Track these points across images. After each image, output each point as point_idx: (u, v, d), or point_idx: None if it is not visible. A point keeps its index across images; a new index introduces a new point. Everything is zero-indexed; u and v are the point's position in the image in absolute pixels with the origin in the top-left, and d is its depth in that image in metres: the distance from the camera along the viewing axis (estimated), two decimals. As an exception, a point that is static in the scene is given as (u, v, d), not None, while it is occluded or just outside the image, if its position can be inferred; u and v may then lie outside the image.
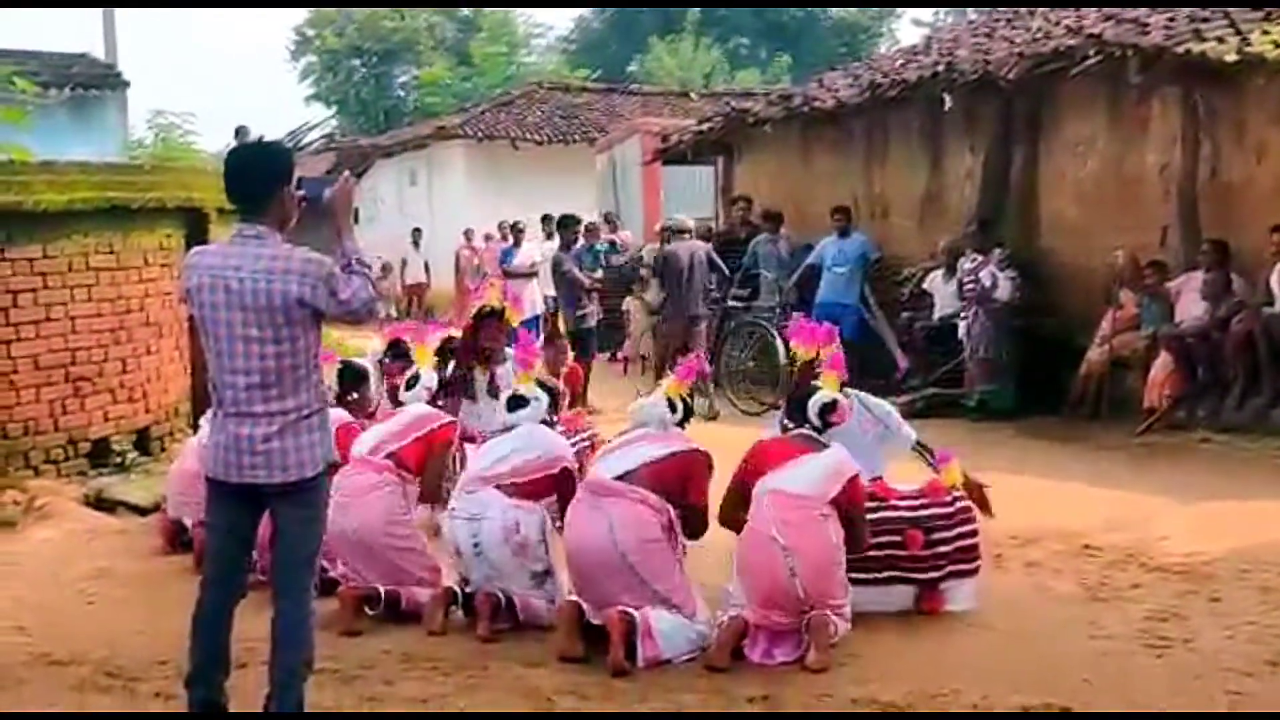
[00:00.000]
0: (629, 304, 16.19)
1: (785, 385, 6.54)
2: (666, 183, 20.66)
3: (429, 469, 6.46)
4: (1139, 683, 5.11)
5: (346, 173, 4.69)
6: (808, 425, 5.77)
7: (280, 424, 4.33)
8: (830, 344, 6.28)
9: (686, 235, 13.82)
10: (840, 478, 5.58)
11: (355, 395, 7.46)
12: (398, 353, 8.78)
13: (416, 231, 24.48)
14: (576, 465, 6.25)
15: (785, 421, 5.92)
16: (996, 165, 13.01)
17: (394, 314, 22.30)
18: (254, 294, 4.28)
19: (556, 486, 6.05)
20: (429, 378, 7.01)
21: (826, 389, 5.81)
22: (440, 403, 7.10)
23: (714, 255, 13.62)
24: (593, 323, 13.45)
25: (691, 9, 40.27)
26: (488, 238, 21.24)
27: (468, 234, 22.20)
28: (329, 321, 4.43)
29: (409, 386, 6.93)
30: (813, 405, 5.74)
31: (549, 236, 17.64)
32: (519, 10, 47.84)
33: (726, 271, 13.97)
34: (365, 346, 9.47)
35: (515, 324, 8.04)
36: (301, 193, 4.50)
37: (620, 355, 16.61)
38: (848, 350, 6.12)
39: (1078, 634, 5.77)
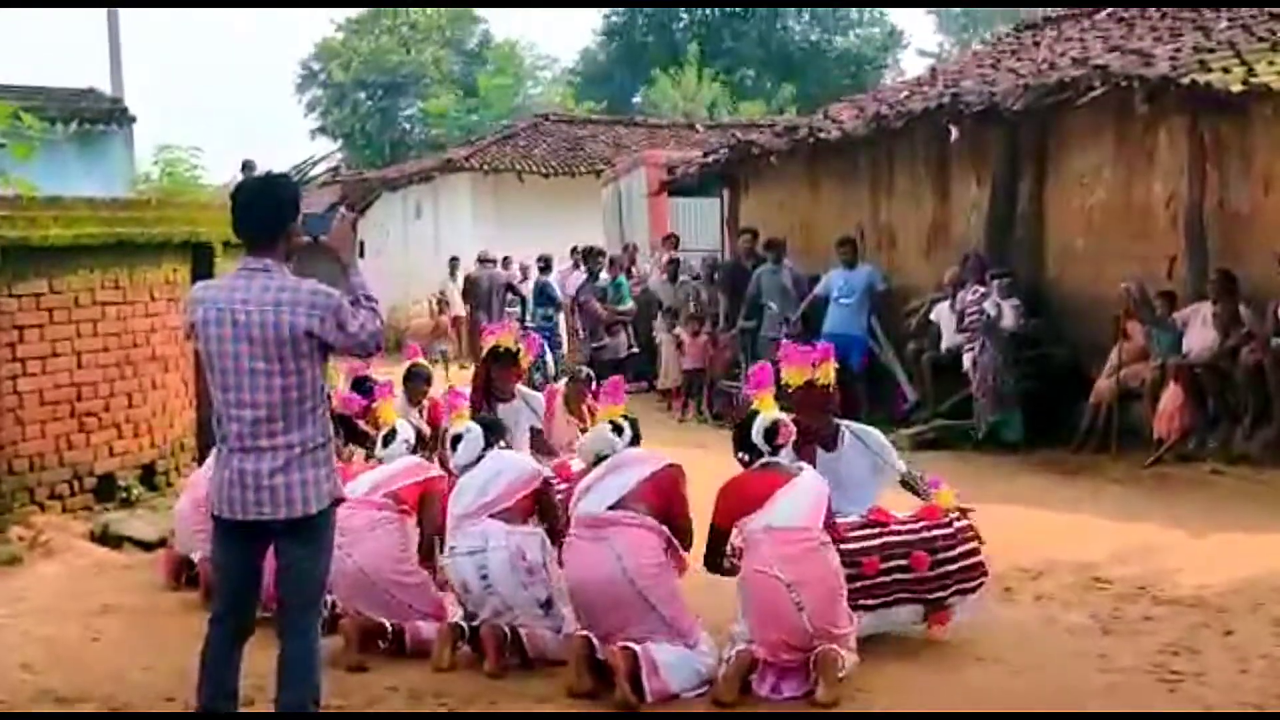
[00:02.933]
0: (661, 336, 16.22)
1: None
2: (673, 214, 20.67)
3: (426, 518, 6.39)
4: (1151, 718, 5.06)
5: (344, 208, 4.66)
6: (757, 452, 5.69)
7: (286, 458, 4.31)
8: (825, 364, 6.24)
9: (491, 264, 17.77)
10: (823, 499, 5.57)
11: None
12: (418, 377, 8.85)
13: (454, 261, 22.53)
14: (552, 477, 6.33)
15: (740, 455, 5.76)
16: (1003, 196, 13.01)
17: (447, 352, 20.56)
18: (262, 326, 4.28)
19: (538, 500, 6.10)
20: (405, 430, 6.81)
21: (763, 411, 5.74)
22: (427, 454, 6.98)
23: (512, 282, 17.39)
24: (621, 354, 13.47)
25: (692, 43, 40.40)
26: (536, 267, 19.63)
27: (505, 261, 20.86)
28: (338, 354, 4.46)
29: (385, 443, 6.74)
30: (756, 431, 5.68)
31: (575, 267, 17.70)
32: (525, 42, 48.17)
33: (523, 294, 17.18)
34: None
35: (526, 365, 8.01)
36: (305, 229, 4.53)
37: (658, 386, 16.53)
38: (855, 381, 6.13)
39: (1088, 667, 5.72)
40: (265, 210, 4.46)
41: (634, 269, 18.37)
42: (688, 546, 5.74)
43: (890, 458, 6.43)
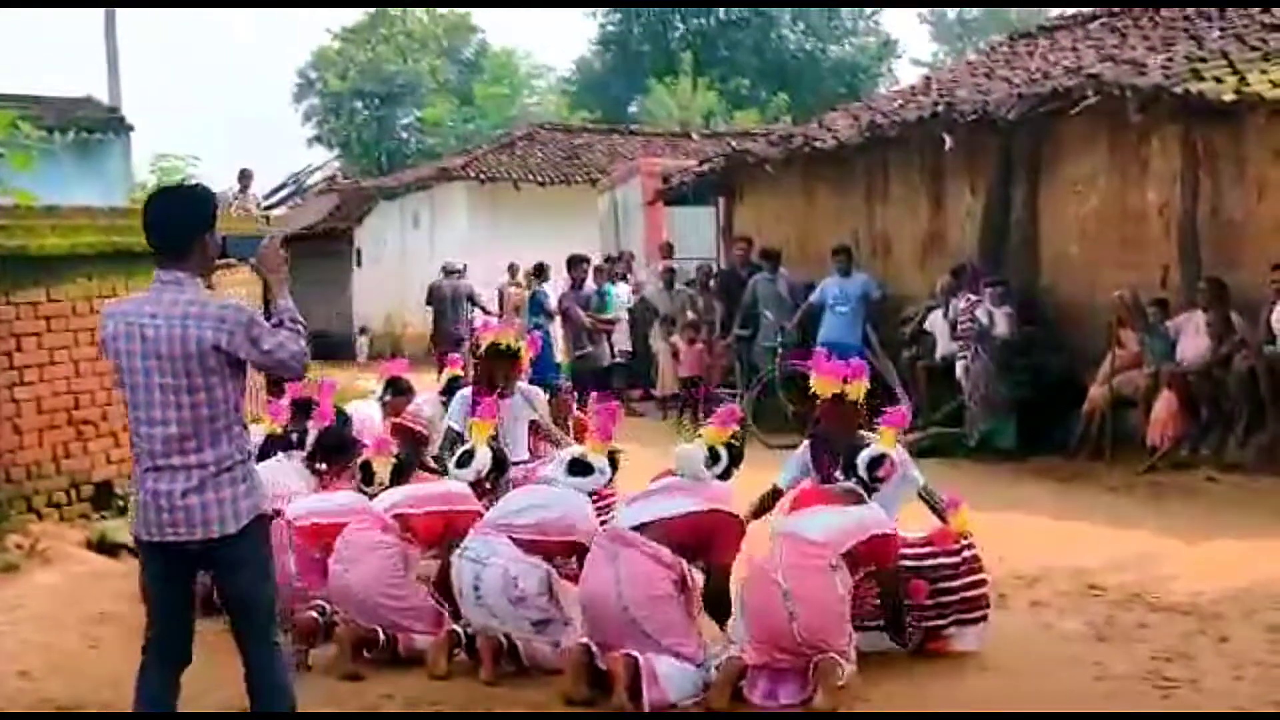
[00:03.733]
0: (656, 344, 16.25)
1: (805, 422, 6.46)
2: (668, 223, 20.70)
3: (446, 554, 6.26)
4: (1146, 724, 5.08)
5: (273, 232, 4.64)
6: (855, 479, 5.73)
7: (200, 478, 4.15)
8: (857, 379, 6.26)
9: (456, 274, 18.75)
10: (863, 531, 5.52)
11: (326, 464, 7.26)
12: (399, 389, 8.80)
13: (463, 266, 21.32)
14: (590, 540, 5.99)
15: (837, 474, 5.86)
16: (997, 204, 13.05)
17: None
18: (169, 340, 4.14)
19: (570, 553, 6.03)
20: (483, 459, 6.58)
21: (879, 443, 5.78)
22: (486, 483, 6.72)
23: (473, 291, 18.41)
24: (604, 362, 13.51)
25: (687, 51, 40.47)
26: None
27: (512, 268, 20.91)
28: (259, 371, 4.30)
29: (461, 463, 6.59)
30: (862, 460, 5.73)
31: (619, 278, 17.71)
32: (520, 52, 48.23)
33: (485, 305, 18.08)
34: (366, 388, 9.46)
35: (527, 364, 8.03)
36: (232, 252, 4.40)
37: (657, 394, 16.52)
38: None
39: (1083, 674, 5.74)
40: (177, 221, 4.30)
41: (629, 276, 18.40)
42: (718, 599, 5.66)
43: (909, 470, 6.40)
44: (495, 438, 6.82)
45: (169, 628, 4.35)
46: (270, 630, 4.36)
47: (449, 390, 8.21)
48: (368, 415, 8.61)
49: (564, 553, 5.99)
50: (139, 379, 4.19)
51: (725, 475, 5.92)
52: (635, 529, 5.59)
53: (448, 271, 19.50)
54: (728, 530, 5.71)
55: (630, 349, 16.56)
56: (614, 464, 6.35)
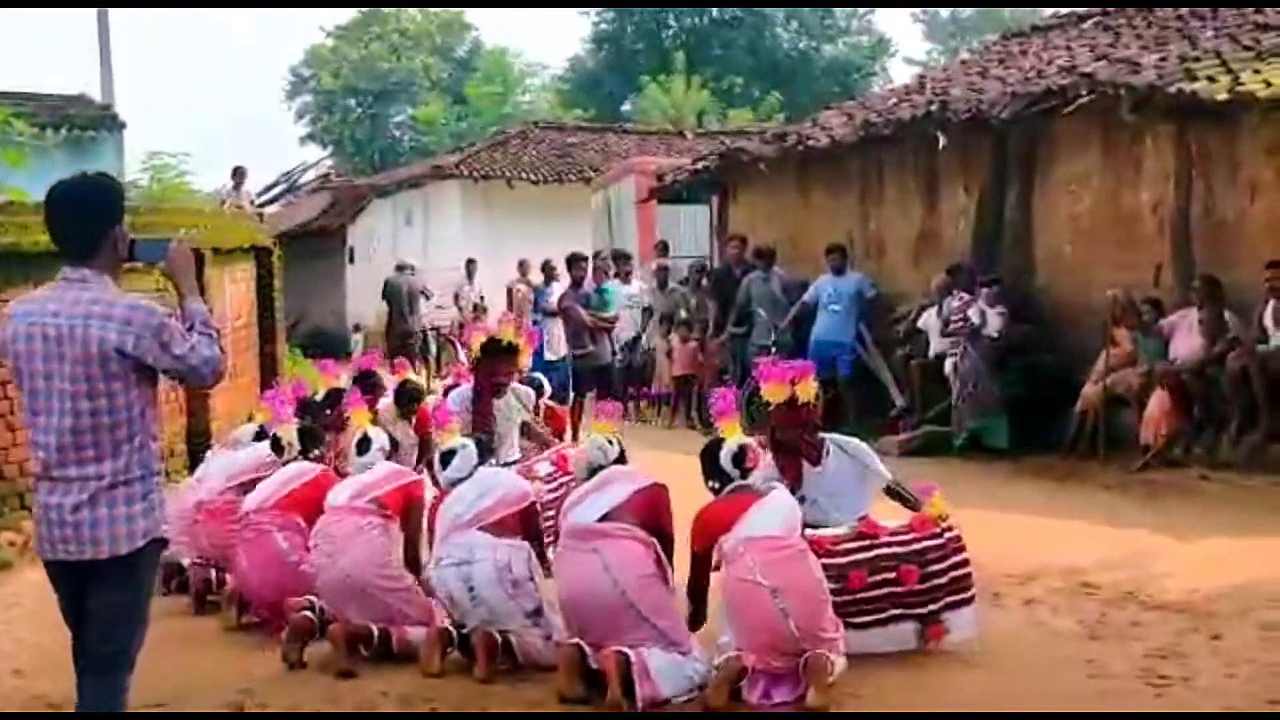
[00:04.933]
0: (651, 342, 16.26)
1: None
2: (662, 221, 20.70)
3: (411, 521, 6.43)
4: (1140, 722, 5.09)
5: (182, 232, 4.45)
6: (727, 478, 5.73)
7: (93, 491, 3.87)
8: (805, 379, 6.25)
9: (409, 270, 19.96)
10: (796, 515, 5.61)
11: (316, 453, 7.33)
12: (368, 385, 8.75)
13: (471, 263, 21.72)
14: (539, 501, 6.36)
15: (711, 484, 5.81)
16: (991, 203, 13.07)
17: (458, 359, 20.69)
18: (70, 341, 3.87)
19: (524, 521, 6.10)
20: (380, 439, 6.81)
21: (729, 438, 5.78)
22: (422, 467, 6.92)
23: (425, 287, 19.81)
24: (605, 361, 13.54)
25: (681, 50, 40.47)
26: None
27: (522, 266, 20.65)
28: (169, 376, 4.06)
29: (360, 451, 6.72)
30: (725, 457, 5.73)
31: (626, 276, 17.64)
32: (514, 50, 48.22)
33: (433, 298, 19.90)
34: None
35: (525, 361, 8.04)
36: (138, 255, 4.16)
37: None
38: (844, 389, 6.14)
39: (1077, 672, 5.75)
40: (82, 215, 4.01)
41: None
42: (670, 560, 5.75)
43: (874, 465, 6.43)
44: (484, 434, 6.92)
45: (80, 647, 4.07)
46: (120, 673, 4.02)
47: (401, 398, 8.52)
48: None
49: (520, 526, 6.08)
50: (39, 383, 3.92)
51: (620, 461, 6.03)
52: (601, 520, 5.64)
53: (400, 267, 20.52)
54: (665, 499, 5.85)
55: (633, 344, 16.48)
56: (480, 445, 6.45)
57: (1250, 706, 5.21)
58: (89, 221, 4.00)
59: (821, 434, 6.39)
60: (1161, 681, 5.57)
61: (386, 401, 8.73)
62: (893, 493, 6.41)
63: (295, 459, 7.11)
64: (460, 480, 6.14)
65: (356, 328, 27.95)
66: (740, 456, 5.72)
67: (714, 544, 5.59)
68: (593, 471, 5.95)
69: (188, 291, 4.15)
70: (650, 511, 5.76)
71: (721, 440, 5.77)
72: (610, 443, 6.03)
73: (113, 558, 3.89)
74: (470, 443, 6.35)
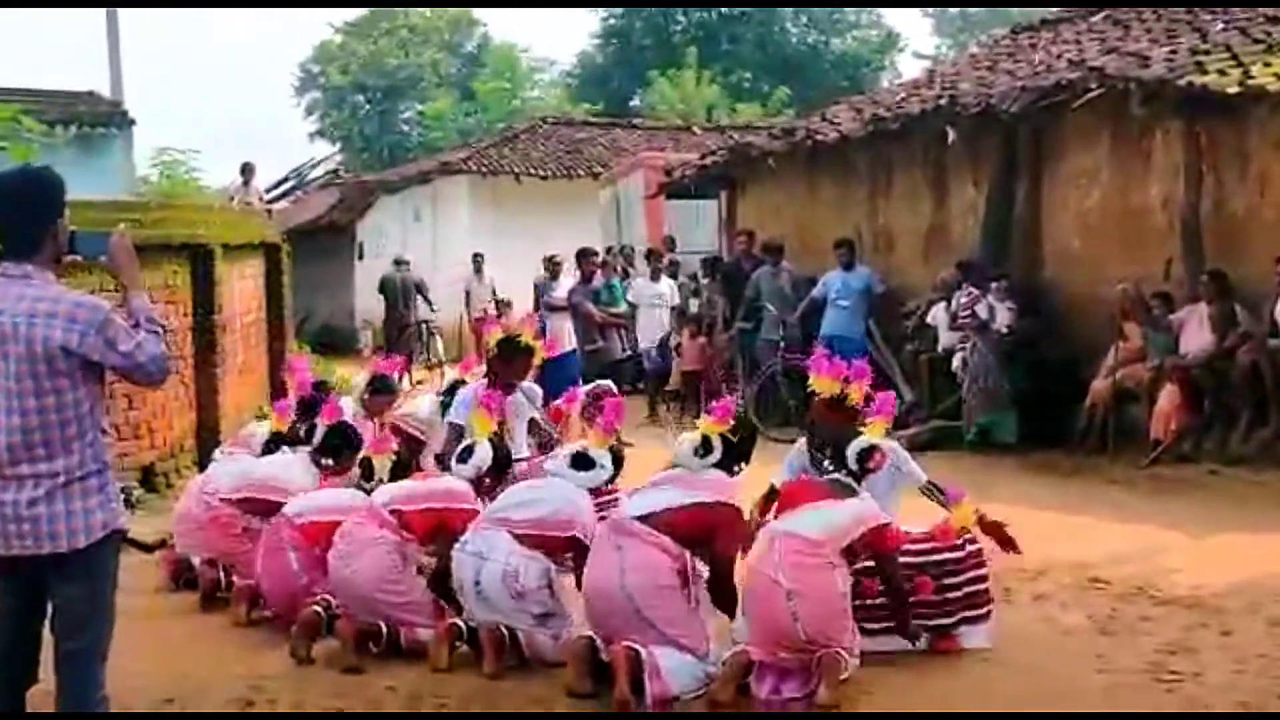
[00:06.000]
0: (672, 338, 16.20)
1: (802, 419, 6.44)
2: (670, 216, 20.69)
3: (437, 550, 6.25)
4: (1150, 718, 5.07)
5: (122, 225, 4.24)
6: (844, 471, 5.71)
7: (48, 487, 3.84)
8: (859, 380, 6.22)
9: (404, 266, 20.49)
10: (859, 525, 5.49)
11: (331, 459, 7.21)
12: (381, 389, 8.69)
13: (478, 257, 21.46)
14: (588, 536, 5.97)
15: (826, 465, 5.83)
16: (1000, 198, 13.03)
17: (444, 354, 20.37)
18: (15, 339, 3.81)
19: (570, 548, 5.98)
20: (484, 454, 6.48)
21: (869, 434, 5.77)
22: (487, 479, 6.61)
23: (420, 282, 20.04)
24: (616, 356, 13.52)
25: (689, 45, 40.41)
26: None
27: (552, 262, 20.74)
28: (116, 374, 4.00)
29: (462, 458, 6.52)
30: (851, 450, 5.70)
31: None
32: (522, 45, 48.17)
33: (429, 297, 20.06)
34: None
35: (540, 361, 8.01)
36: (78, 249, 4.08)
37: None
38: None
39: (1087, 668, 5.74)
40: (24, 210, 3.93)
41: (631, 271, 18.35)
42: (724, 593, 5.64)
43: (908, 465, 6.38)
44: (498, 434, 6.79)
45: (14, 646, 4.00)
46: (93, 672, 3.97)
47: (450, 391, 8.20)
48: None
49: (562, 549, 5.95)
50: None
51: (723, 466, 5.86)
52: (638, 519, 5.58)
53: (397, 262, 21.14)
54: (730, 523, 5.67)
55: (664, 344, 16.07)
56: (617, 459, 6.34)
57: (1260, 702, 5.20)
58: (31, 216, 3.94)
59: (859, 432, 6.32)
60: (1171, 677, 5.56)
61: (416, 404, 8.67)
62: (927, 494, 6.39)
63: (366, 489, 6.85)
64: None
65: (365, 324, 27.96)
66: (866, 455, 5.70)
67: (773, 513, 5.64)
68: (674, 465, 5.88)
69: (131, 286, 4.08)
70: (703, 528, 5.61)
71: (859, 433, 5.78)
72: (707, 448, 5.80)
73: (72, 551, 3.86)
74: (487, 445, 6.31)
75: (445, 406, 8.10)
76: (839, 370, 6.24)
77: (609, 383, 8.64)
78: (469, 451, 6.53)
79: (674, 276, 16.69)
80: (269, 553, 6.64)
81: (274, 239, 14.90)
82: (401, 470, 7.06)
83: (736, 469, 5.90)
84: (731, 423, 5.91)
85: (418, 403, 8.55)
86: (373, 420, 8.33)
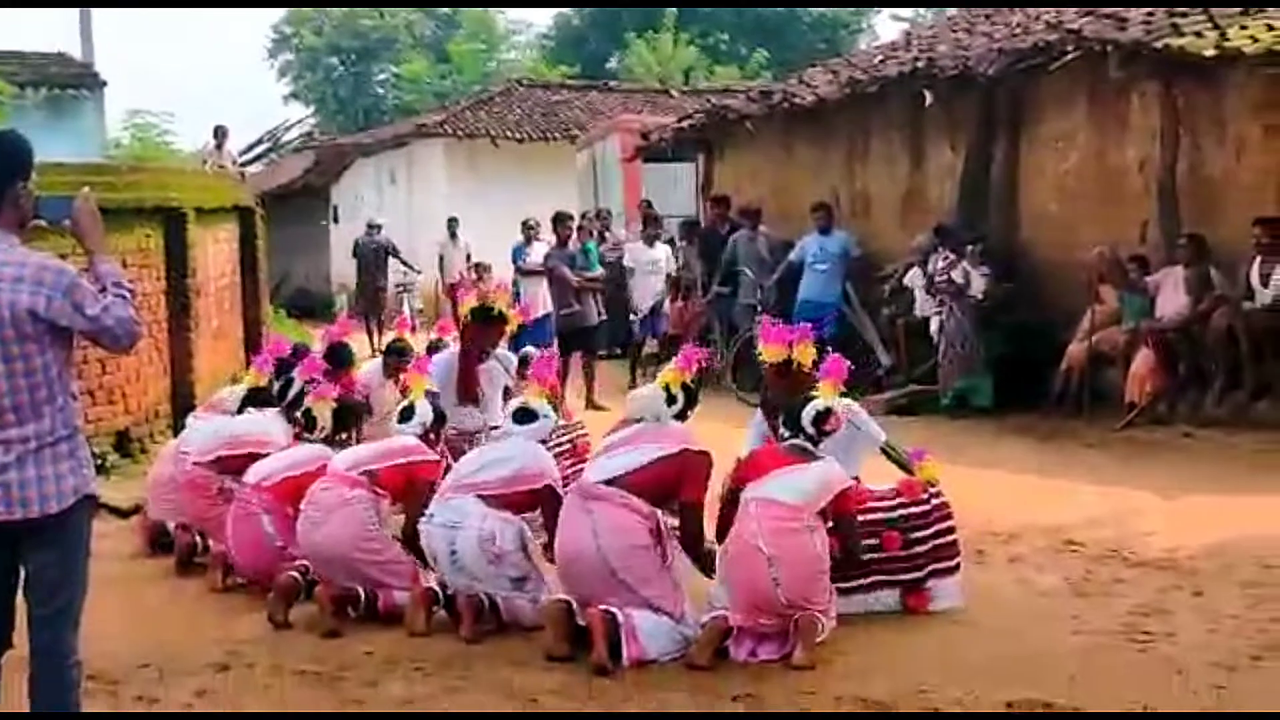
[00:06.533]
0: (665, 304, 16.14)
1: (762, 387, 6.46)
2: (647, 180, 20.62)
3: (411, 506, 6.27)
4: (1123, 678, 5.11)
5: (85, 189, 4.15)
6: (802, 435, 5.72)
7: (18, 453, 3.79)
8: (804, 344, 6.22)
9: (376, 230, 21.38)
10: (829, 490, 5.54)
11: (345, 435, 7.20)
12: (339, 361, 8.55)
13: (453, 221, 21.26)
14: (560, 482, 6.11)
15: (782, 431, 5.84)
16: (977, 161, 13.02)
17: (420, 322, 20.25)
18: None
19: (540, 502, 6.00)
20: (425, 412, 6.56)
21: (821, 397, 5.77)
22: (432, 435, 6.69)
23: (391, 245, 21.20)
24: (591, 321, 13.46)
25: (667, 7, 40.17)
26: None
27: (380, 228, 21.70)
28: (85, 338, 3.95)
29: (403, 418, 6.58)
30: (806, 414, 5.69)
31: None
32: (498, 7, 47.81)
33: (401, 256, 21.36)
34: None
35: (514, 327, 7.98)
36: (41, 213, 4.02)
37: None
38: (830, 348, 6.13)
39: (1061, 629, 5.77)
40: None
41: (607, 235, 18.28)
42: (694, 536, 5.68)
43: (867, 426, 6.40)
44: (433, 391, 6.82)
45: None
46: (67, 637, 3.92)
47: (430, 351, 8.20)
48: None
49: (531, 504, 5.99)
50: None
51: (682, 416, 5.90)
52: (605, 483, 5.58)
53: (370, 227, 21.84)
54: (697, 467, 5.70)
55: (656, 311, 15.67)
56: (689, 397, 6.11)
57: (1233, 662, 5.24)
58: None
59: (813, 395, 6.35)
60: (1145, 638, 5.60)
61: (375, 364, 8.68)
62: (887, 454, 6.41)
63: (316, 441, 6.91)
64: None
65: (341, 288, 27.85)
66: (822, 417, 5.68)
67: (743, 485, 5.60)
68: (637, 421, 5.87)
69: (96, 250, 4.01)
70: (671, 480, 5.63)
71: (813, 396, 5.76)
72: (671, 399, 5.83)
73: (44, 517, 3.82)
74: (553, 414, 6.27)
75: (387, 366, 8.33)
76: (785, 335, 6.24)
77: (530, 349, 8.72)
78: (410, 411, 6.56)
79: (652, 242, 16.50)
80: (240, 521, 6.61)
81: (248, 202, 14.79)
82: (344, 417, 7.11)
83: (689, 415, 5.95)
84: (694, 370, 5.97)
85: (362, 368, 8.50)
86: (393, 381, 8.30)
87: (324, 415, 6.99)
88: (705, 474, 5.73)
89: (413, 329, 19.63)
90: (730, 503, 5.69)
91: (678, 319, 15.12)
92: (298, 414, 7.16)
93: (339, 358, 8.15)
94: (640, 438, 5.77)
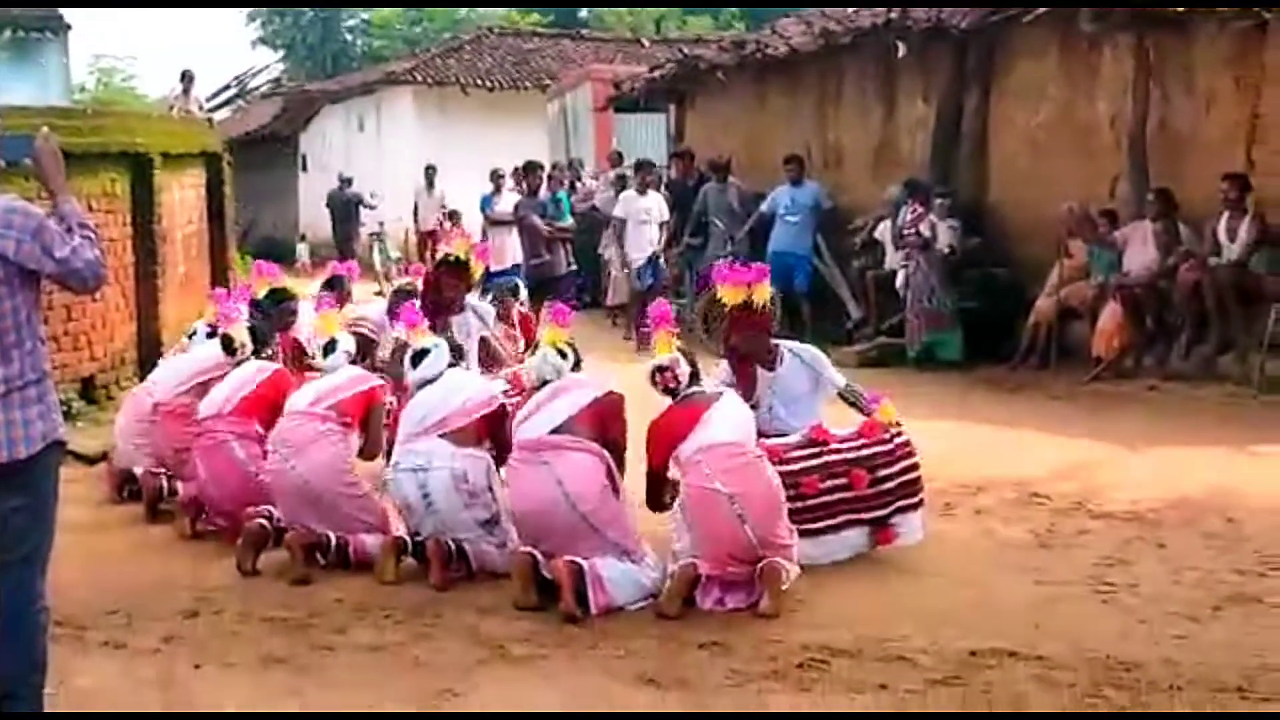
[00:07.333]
0: (608, 253, 16.08)
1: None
2: (618, 130, 20.54)
3: (371, 425, 6.44)
4: (1086, 627, 5.17)
5: (45, 129, 4.10)
6: (674, 391, 5.74)
7: None
8: (761, 284, 6.22)
9: (346, 184, 22.19)
10: (750, 419, 5.68)
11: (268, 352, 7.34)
12: (334, 285, 8.84)
13: (430, 169, 21.20)
14: (508, 404, 6.22)
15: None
16: (949, 114, 13.01)
17: (395, 269, 20.44)
18: None
19: (490, 427, 6.04)
20: (347, 342, 6.84)
21: (660, 353, 5.79)
22: (379, 366, 6.90)
23: (361, 197, 21.95)
24: (560, 271, 13.40)
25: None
26: None
27: (351, 180, 22.79)
28: (52, 281, 3.90)
29: (326, 353, 6.73)
30: (645, 374, 5.77)
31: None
32: (477, 7, 47.24)
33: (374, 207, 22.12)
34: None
35: (478, 275, 7.96)
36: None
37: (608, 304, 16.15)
38: (801, 300, 6.16)
39: (1025, 580, 5.83)
40: None
41: (578, 185, 18.21)
42: (621, 470, 5.75)
43: (828, 373, 6.46)
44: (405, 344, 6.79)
45: None
46: (33, 582, 3.89)
47: (398, 295, 8.39)
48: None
49: (487, 430, 6.04)
50: None
51: (576, 368, 5.98)
52: (553, 433, 5.61)
53: (341, 181, 22.76)
54: (619, 407, 5.81)
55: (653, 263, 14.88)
56: (576, 352, 6.21)
57: (1194, 612, 5.30)
58: None
59: (776, 340, 6.42)
60: (1107, 588, 5.66)
61: (380, 304, 8.78)
62: (845, 399, 6.45)
63: (248, 359, 7.05)
64: (430, 381, 6.09)
65: (303, 237, 27.71)
66: (654, 375, 5.73)
67: (670, 456, 5.60)
68: (544, 383, 5.91)
69: (59, 191, 3.97)
70: (606, 421, 5.73)
71: (780, 350, 5.84)
72: (562, 354, 5.94)
73: (13, 461, 3.77)
74: (443, 342, 6.31)
75: (392, 306, 8.25)
76: (742, 276, 6.25)
77: (513, 281, 8.80)
78: (332, 345, 6.74)
79: (622, 191, 16.37)
80: (209, 453, 6.60)
81: (215, 148, 14.64)
82: (259, 336, 7.24)
83: (579, 369, 6.03)
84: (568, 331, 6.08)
85: (370, 306, 8.61)
86: (392, 322, 8.35)
87: (240, 336, 7.12)
88: (623, 411, 5.83)
89: (387, 276, 19.96)
90: (657, 479, 5.72)
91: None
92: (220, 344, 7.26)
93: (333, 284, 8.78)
94: (562, 390, 5.80)
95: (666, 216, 14.54)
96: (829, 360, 6.61)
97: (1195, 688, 4.51)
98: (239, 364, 7.04)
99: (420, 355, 6.18)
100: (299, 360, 7.77)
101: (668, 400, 5.78)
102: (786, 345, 6.47)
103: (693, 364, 5.84)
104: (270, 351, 7.34)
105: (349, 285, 9.11)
